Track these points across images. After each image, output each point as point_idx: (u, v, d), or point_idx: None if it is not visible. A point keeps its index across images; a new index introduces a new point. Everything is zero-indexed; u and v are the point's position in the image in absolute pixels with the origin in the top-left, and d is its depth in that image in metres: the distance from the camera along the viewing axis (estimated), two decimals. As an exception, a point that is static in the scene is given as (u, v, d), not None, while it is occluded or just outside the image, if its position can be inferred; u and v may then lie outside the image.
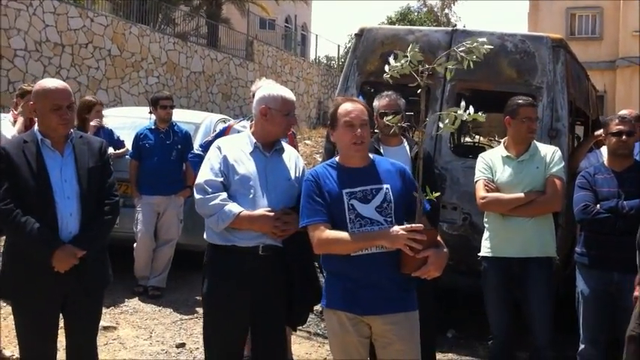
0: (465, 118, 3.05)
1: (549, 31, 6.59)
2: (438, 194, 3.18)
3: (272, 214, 3.38)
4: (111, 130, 6.94)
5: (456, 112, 3.04)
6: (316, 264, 3.50)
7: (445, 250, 3.17)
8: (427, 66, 3.11)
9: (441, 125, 3.13)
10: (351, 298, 3.17)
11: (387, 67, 3.15)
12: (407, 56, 3.10)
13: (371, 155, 3.38)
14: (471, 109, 3.03)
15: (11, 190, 3.33)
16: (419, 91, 3.15)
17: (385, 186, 3.22)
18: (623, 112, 4.99)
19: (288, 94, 3.62)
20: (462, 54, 3.09)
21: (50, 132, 3.45)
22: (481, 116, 3.04)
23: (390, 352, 3.20)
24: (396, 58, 3.14)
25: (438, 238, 3.23)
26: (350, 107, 3.26)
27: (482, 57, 3.11)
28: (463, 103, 3.08)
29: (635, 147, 4.54)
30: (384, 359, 3.23)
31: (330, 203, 3.19)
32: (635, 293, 3.68)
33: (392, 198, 3.20)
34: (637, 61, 24.51)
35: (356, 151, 3.25)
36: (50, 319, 3.49)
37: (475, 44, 3.08)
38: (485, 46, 3.09)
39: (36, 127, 3.50)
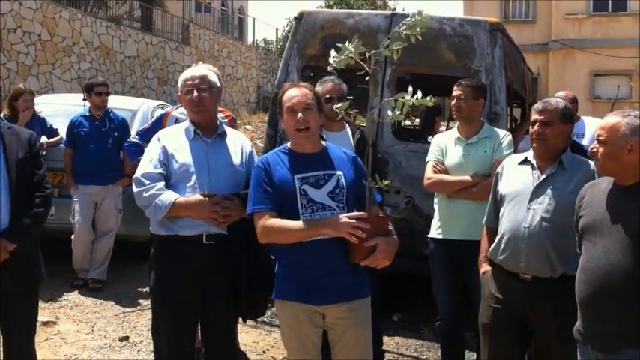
0: (412, 103, 3.03)
1: (484, 15, 6.69)
2: (387, 183, 3.14)
3: (209, 199, 3.31)
4: (44, 118, 6.72)
5: (403, 98, 3.02)
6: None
7: (395, 237, 3.14)
8: (373, 51, 3.08)
9: (390, 113, 3.10)
10: (306, 289, 3.11)
11: (331, 59, 3.10)
12: (348, 48, 3.05)
13: (323, 142, 3.32)
14: (419, 94, 3.02)
15: None
16: (367, 78, 3.11)
17: (338, 172, 3.17)
18: (560, 93, 5.12)
19: (188, 73, 3.55)
20: (406, 32, 3.06)
21: None
22: (429, 100, 3.03)
23: (344, 338, 3.19)
24: (338, 50, 3.09)
25: (390, 226, 3.20)
26: (293, 92, 3.18)
27: (426, 31, 3.11)
28: (410, 88, 3.06)
29: (574, 128, 4.64)
30: (339, 346, 3.21)
31: (281, 190, 3.12)
32: (482, 269, 3.70)
33: (345, 185, 3.15)
34: (569, 43, 25.19)
35: (301, 138, 3.17)
36: None
37: (415, 18, 3.06)
38: (425, 14, 3.08)
39: None
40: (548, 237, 3.34)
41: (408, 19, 3.10)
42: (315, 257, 3.09)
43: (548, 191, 3.40)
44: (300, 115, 3.12)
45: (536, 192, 3.43)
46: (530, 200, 3.42)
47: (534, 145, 3.49)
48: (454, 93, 4.40)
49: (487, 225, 3.77)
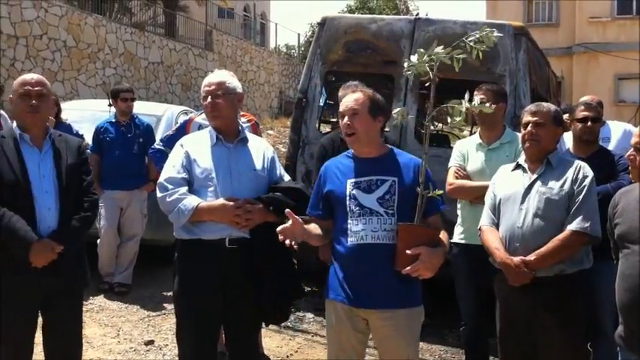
0: (468, 108, 3.04)
1: (507, 19, 6.64)
2: (440, 192, 3.10)
3: (232, 203, 3.34)
4: (69, 124, 6.79)
5: (459, 105, 3.03)
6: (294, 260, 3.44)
7: (441, 249, 3.10)
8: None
9: (449, 120, 3.12)
10: (350, 292, 3.14)
11: (405, 64, 3.09)
12: (425, 53, 3.02)
13: (389, 146, 3.33)
14: (477, 100, 3.04)
15: None
16: (429, 84, 3.06)
17: (393, 178, 3.16)
18: (586, 97, 5.07)
19: (207, 79, 3.59)
20: (472, 44, 3.04)
21: (22, 122, 3.44)
22: (488, 108, 3.05)
23: (383, 346, 3.20)
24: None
25: (444, 237, 3.18)
26: (346, 98, 3.26)
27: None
28: (467, 95, 3.07)
29: (600, 132, 4.61)
30: (379, 354, 3.24)
31: (333, 195, 3.22)
32: (513, 260, 3.46)
33: (397, 191, 3.14)
34: (593, 47, 24.95)
35: (348, 142, 3.24)
36: (29, 317, 3.43)
37: (485, 33, 3.05)
38: (496, 34, 3.08)
39: (14, 122, 3.49)
40: (542, 234, 3.41)
41: (477, 32, 3.09)
42: (363, 262, 3.11)
43: (539, 189, 3.50)
44: (345, 120, 3.18)
45: (527, 192, 3.53)
46: (522, 201, 3.52)
47: (527, 145, 3.60)
48: (476, 98, 4.38)
49: (483, 225, 3.74)
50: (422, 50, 3.07)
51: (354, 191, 3.16)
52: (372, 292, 3.11)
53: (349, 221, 3.13)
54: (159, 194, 3.44)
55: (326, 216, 3.28)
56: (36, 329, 3.50)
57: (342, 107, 3.24)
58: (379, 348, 3.24)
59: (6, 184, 3.30)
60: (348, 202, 3.15)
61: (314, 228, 3.24)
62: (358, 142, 3.21)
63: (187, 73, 21.51)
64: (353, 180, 3.19)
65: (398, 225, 3.09)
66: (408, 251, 2.99)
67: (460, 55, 3.03)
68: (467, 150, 4.48)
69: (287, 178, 3.71)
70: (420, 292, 3.23)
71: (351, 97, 3.23)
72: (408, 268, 3.01)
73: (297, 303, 5.69)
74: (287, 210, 3.15)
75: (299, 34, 33.58)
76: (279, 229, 3.07)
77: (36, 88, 3.41)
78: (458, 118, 3.04)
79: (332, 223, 3.27)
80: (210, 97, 3.50)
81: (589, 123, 4.33)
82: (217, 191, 3.39)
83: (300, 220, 3.12)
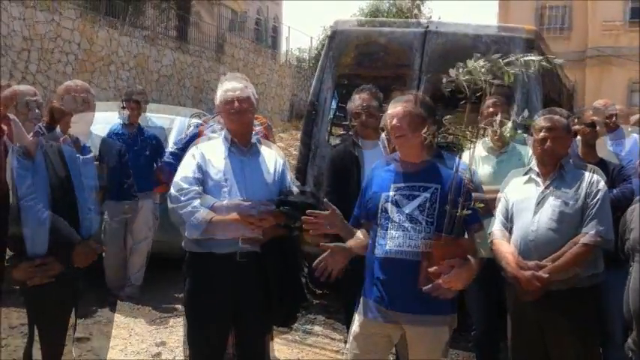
0: (520, 122, 3.11)
1: (519, 22, 6.63)
2: (482, 205, 3.07)
3: (247, 202, 3.38)
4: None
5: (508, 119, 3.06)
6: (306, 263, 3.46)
7: (473, 262, 3.06)
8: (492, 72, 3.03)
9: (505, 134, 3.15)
10: (380, 290, 3.14)
11: (444, 80, 3.02)
12: (466, 67, 2.99)
13: (438, 152, 3.30)
14: (526, 113, 3.11)
15: (34, 186, 3.33)
16: (480, 94, 3.03)
17: (435, 186, 3.12)
18: (599, 102, 5.07)
19: (229, 84, 3.59)
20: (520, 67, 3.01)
21: (66, 126, 3.54)
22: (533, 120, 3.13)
23: (412, 349, 3.19)
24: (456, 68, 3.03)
25: (476, 253, 3.13)
26: (395, 100, 3.25)
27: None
28: (519, 110, 3.08)
29: (615, 135, 4.61)
30: (410, 354, 3.22)
31: (374, 198, 3.21)
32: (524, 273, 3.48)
33: (438, 199, 3.09)
34: (606, 52, 24.84)
35: (397, 145, 3.24)
36: (63, 317, 3.49)
37: (536, 61, 3.02)
38: (558, 60, 3.13)
39: (58, 127, 3.59)
40: (556, 239, 3.43)
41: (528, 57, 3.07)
42: (396, 266, 3.09)
43: (553, 195, 3.52)
44: (394, 121, 3.16)
45: (541, 198, 3.55)
46: (536, 206, 3.53)
47: (538, 154, 3.63)
48: (489, 101, 4.37)
49: (495, 233, 3.71)
50: (459, 64, 3.03)
51: (396, 197, 3.14)
52: (402, 295, 3.09)
53: (389, 225, 3.12)
54: (170, 205, 3.47)
55: (370, 218, 3.25)
56: (67, 328, 3.53)
57: (391, 109, 3.21)
58: (409, 350, 3.22)
59: (50, 186, 3.36)
60: (389, 207, 3.13)
61: (359, 234, 3.29)
62: (407, 145, 3.18)
63: (199, 76, 21.59)
64: (396, 185, 3.17)
65: (434, 234, 3.07)
66: (441, 262, 2.98)
67: (514, 71, 3.00)
68: (477, 154, 4.45)
69: (295, 189, 3.69)
70: (454, 301, 3.18)
71: (401, 99, 3.22)
72: (439, 280, 2.98)
73: (306, 305, 5.70)
74: (325, 200, 3.26)
75: (311, 38, 33.69)
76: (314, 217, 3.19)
77: (81, 95, 3.53)
78: (508, 132, 3.07)
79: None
80: (236, 101, 3.52)
81: (597, 127, 4.34)
82: (230, 195, 3.43)
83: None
